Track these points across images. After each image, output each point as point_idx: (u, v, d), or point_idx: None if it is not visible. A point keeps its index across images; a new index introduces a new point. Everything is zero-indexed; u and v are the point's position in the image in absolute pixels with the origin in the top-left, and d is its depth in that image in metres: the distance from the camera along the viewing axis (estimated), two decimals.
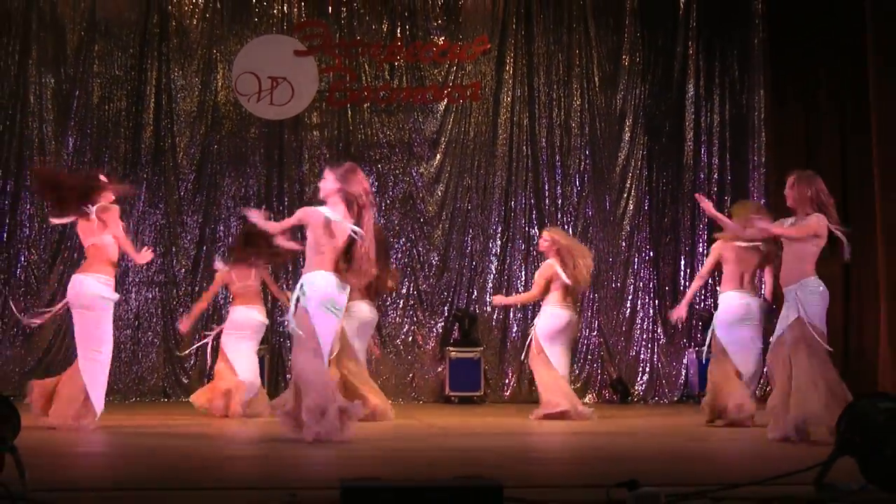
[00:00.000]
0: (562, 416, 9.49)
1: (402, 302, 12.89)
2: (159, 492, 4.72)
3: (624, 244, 13.01)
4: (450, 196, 13.13)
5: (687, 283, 12.75)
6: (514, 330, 12.88)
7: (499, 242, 13.04)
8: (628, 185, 13.10)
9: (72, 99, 12.83)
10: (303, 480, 5.15)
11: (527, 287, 12.65)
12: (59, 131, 12.69)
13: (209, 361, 10.74)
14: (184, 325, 10.33)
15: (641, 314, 12.92)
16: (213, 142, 13.00)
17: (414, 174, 13.13)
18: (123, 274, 12.24)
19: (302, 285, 7.21)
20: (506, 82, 13.19)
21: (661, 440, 7.79)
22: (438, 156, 13.20)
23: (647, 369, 12.79)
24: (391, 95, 13.14)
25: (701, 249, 12.74)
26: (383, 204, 12.97)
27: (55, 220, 8.84)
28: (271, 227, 7.59)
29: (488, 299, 12.88)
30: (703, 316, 12.38)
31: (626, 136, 13.15)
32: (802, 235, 7.37)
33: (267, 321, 10.46)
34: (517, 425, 9.28)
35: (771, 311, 9.02)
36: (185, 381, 12.57)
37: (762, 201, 12.41)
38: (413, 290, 12.97)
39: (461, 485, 4.11)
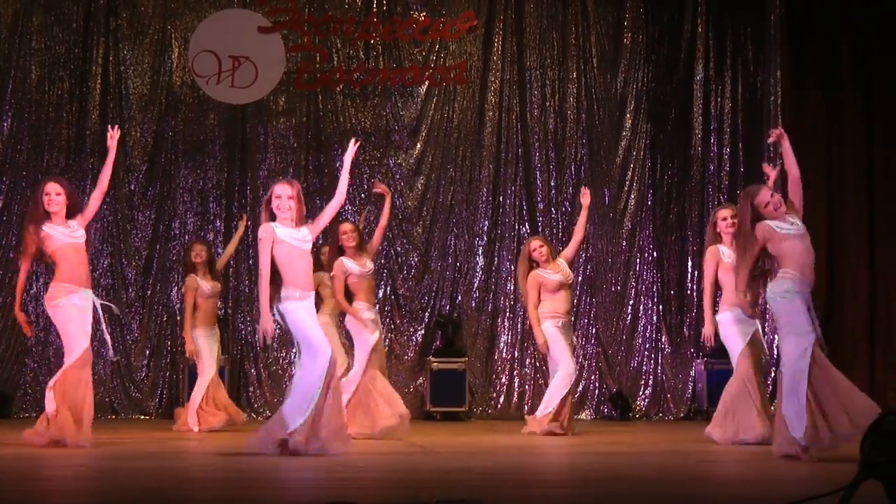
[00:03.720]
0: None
1: (377, 307, 12.82)
2: None
3: (625, 243, 13.01)
4: (431, 189, 13.13)
5: (694, 286, 12.79)
6: (503, 338, 12.88)
7: (485, 241, 13.04)
8: (629, 178, 13.11)
9: (7, 79, 12.74)
10: None
11: (518, 290, 12.65)
12: None
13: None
14: None
15: (644, 321, 12.92)
16: (167, 128, 12.97)
17: (391, 165, 13.12)
18: None
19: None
20: (494, 63, 13.18)
21: (665, 460, 7.76)
22: (419, 145, 13.20)
23: (651, 382, 12.81)
24: (366, 77, 13.13)
25: None
26: (357, 199, 12.94)
27: None
28: None
29: (474, 304, 12.89)
30: None
31: (628, 124, 13.16)
32: None
33: None
34: (505, 444, 9.25)
35: None
36: (136, 395, 12.55)
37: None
38: (390, 294, 12.96)
39: None
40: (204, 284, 10.64)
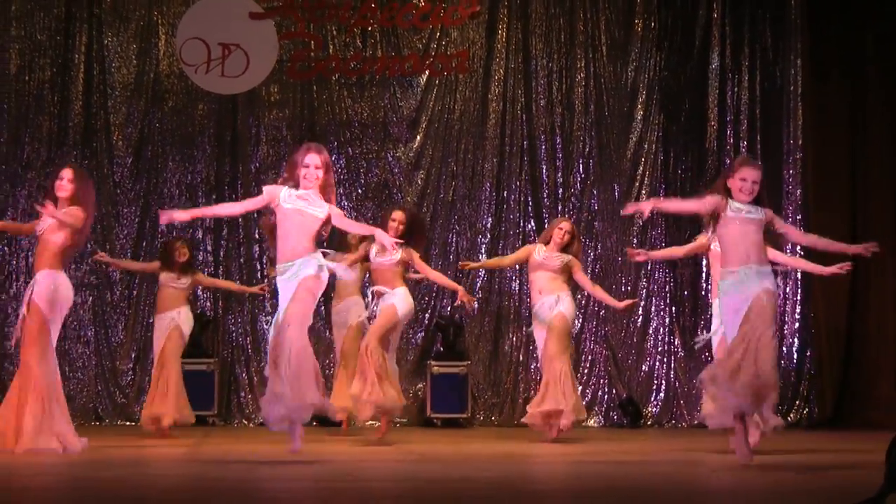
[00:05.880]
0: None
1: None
2: None
3: (636, 241, 12.88)
4: (432, 184, 13.12)
5: (709, 287, 12.68)
6: (508, 341, 12.85)
7: (488, 238, 13.02)
8: (641, 173, 13.08)
9: None
10: None
11: (522, 290, 12.60)
12: None
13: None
14: None
15: (655, 323, 12.89)
16: (153, 120, 12.99)
17: (390, 159, 13.11)
18: None
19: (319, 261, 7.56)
20: (498, 51, 13.15)
21: (676, 471, 7.73)
22: (418, 137, 13.19)
23: (663, 387, 12.78)
24: (363, 66, 13.12)
25: None
26: (354, 194, 13.00)
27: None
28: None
29: (476, 304, 12.81)
30: None
31: (639, 115, 13.13)
32: None
33: None
34: (509, 452, 9.22)
35: None
36: (122, 400, 12.56)
37: (798, 192, 12.43)
38: None
39: None
40: (175, 279, 10.55)
